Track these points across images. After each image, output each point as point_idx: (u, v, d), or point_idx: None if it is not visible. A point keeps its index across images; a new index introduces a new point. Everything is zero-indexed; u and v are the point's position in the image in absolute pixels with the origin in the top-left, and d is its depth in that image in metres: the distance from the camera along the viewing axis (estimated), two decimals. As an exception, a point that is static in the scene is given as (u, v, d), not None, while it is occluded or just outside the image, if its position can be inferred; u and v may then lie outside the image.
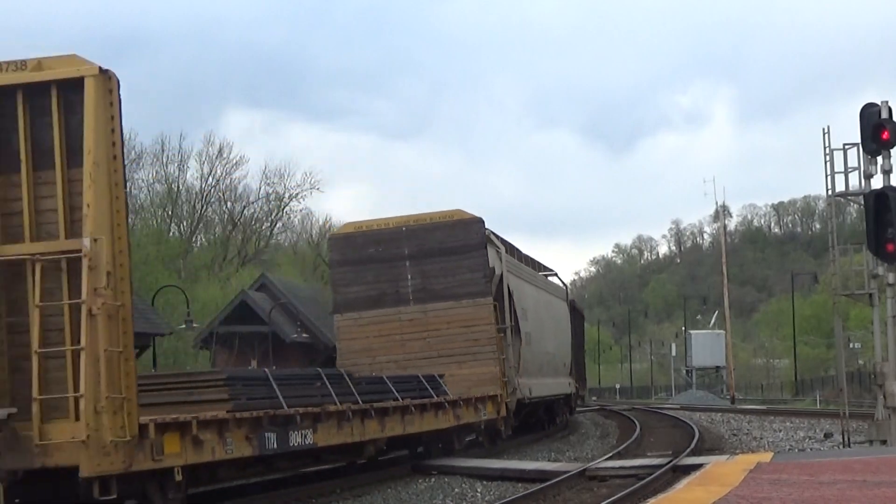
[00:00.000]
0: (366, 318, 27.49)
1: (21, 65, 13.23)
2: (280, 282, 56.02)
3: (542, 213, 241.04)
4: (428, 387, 23.49)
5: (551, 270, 41.10)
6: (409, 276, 27.37)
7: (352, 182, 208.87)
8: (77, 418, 12.59)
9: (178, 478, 14.14)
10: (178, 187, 71.65)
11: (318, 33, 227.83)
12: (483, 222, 27.65)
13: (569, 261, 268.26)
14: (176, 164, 71.04)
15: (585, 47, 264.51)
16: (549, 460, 25.53)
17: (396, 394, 21.64)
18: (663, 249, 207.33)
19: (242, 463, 16.46)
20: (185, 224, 72.81)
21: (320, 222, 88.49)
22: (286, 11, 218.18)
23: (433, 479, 20.75)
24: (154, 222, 69.47)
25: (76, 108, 13.03)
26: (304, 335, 49.24)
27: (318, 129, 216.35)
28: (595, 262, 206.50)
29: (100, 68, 13.09)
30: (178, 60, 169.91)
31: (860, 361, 75.23)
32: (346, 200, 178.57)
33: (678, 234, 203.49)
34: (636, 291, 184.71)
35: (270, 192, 76.88)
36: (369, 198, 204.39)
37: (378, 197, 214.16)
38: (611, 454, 25.58)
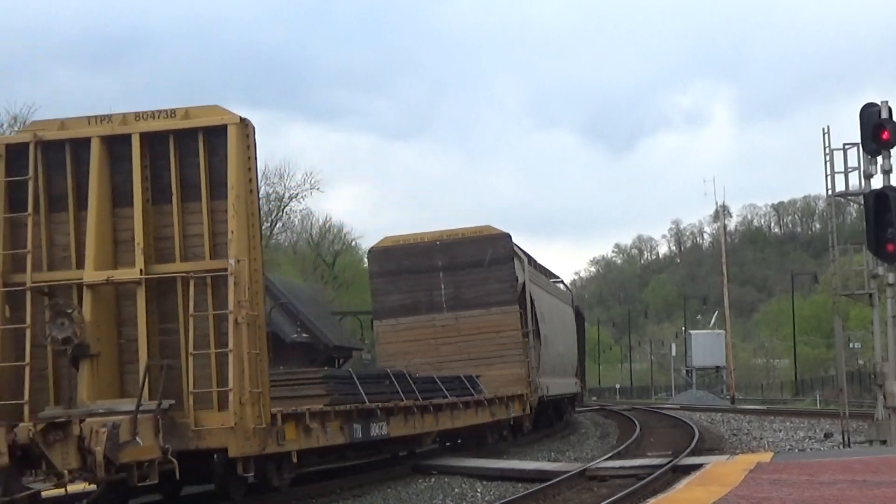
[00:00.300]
0: (403, 323, 29.91)
1: (171, 113, 15.94)
2: (280, 282, 56.00)
3: (542, 213, 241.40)
4: (469, 386, 26.10)
5: (558, 277, 43.70)
6: (443, 286, 29.83)
7: (352, 182, 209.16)
8: (220, 409, 15.09)
9: (295, 460, 16.92)
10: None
11: (318, 33, 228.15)
12: (510, 237, 30.33)
13: (569, 261, 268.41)
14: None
15: (585, 47, 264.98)
16: (549, 460, 25.53)
17: (446, 392, 24.21)
18: (663, 249, 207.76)
19: (327, 451, 19.01)
20: None
21: (320, 222, 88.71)
22: (286, 11, 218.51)
23: (433, 479, 20.75)
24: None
25: (218, 150, 15.60)
26: (304, 335, 49.27)
27: (318, 129, 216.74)
28: (595, 262, 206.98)
29: (240, 118, 15.73)
30: (177, 60, 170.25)
31: (860, 361, 75.26)
32: (346, 200, 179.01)
33: (678, 234, 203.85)
34: (636, 291, 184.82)
35: (270, 192, 76.98)
36: (369, 198, 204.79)
37: (378, 197, 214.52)
38: (611, 454, 25.58)
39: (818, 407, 57.16)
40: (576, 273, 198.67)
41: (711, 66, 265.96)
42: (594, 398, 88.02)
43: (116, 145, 15.89)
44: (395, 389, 21.61)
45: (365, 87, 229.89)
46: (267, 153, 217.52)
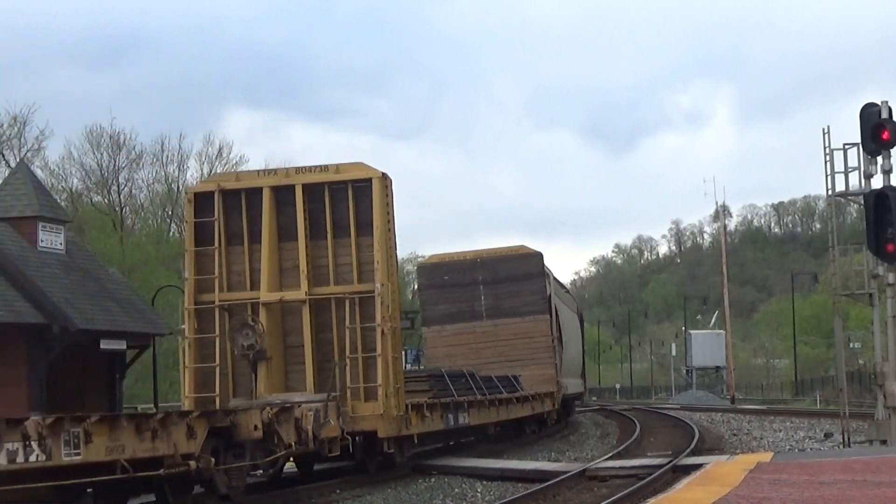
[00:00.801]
0: (448, 330, 34.29)
1: (325, 168, 20.62)
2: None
3: (542, 214, 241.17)
4: (515, 384, 30.59)
5: (566, 287, 49.45)
6: (483, 297, 34.24)
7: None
8: (366, 400, 19.69)
9: (416, 441, 21.83)
10: (178, 187, 71.59)
11: (318, 33, 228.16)
12: (542, 256, 35.12)
13: (569, 261, 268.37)
14: (176, 164, 70.99)
15: (586, 47, 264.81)
16: (549, 460, 25.55)
17: (502, 389, 28.98)
18: (663, 249, 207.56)
19: (433, 435, 23.72)
20: (185, 224, 72.72)
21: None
22: (286, 11, 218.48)
23: (433, 479, 20.76)
24: (154, 222, 69.44)
25: (363, 198, 20.05)
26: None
27: (319, 129, 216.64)
28: (595, 262, 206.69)
29: (382, 174, 20.26)
30: (178, 60, 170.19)
31: (860, 361, 75.21)
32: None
33: (678, 234, 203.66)
34: (636, 291, 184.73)
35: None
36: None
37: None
38: (611, 454, 25.60)
39: (818, 407, 57.17)
40: (576, 273, 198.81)
41: (712, 65, 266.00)
42: (594, 398, 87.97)
43: (282, 193, 20.41)
44: (470, 386, 26.51)
45: (365, 87, 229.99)
46: (267, 153, 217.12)
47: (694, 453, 24.09)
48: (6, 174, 42.81)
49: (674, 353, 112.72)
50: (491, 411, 27.19)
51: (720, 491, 13.41)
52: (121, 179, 65.87)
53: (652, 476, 18.13)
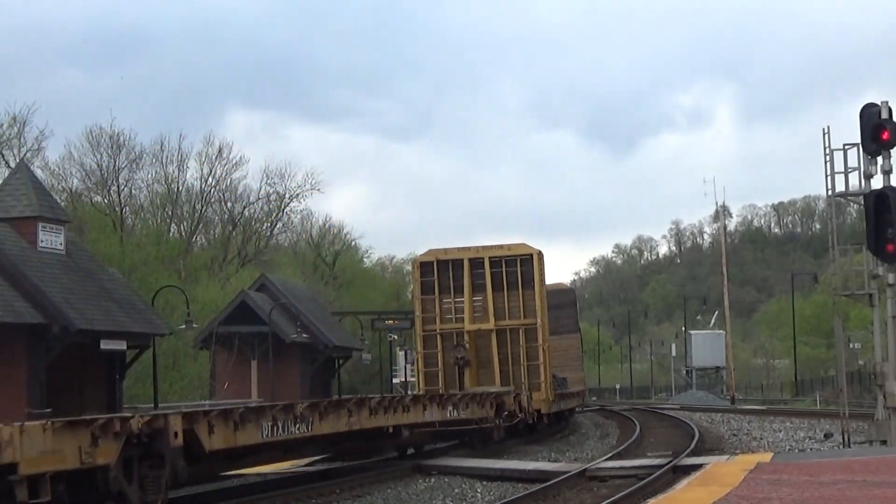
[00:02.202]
0: None
1: (501, 247, 32.72)
2: (280, 282, 55.99)
3: (542, 213, 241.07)
4: (565, 383, 39.81)
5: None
6: None
7: (352, 182, 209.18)
8: (538, 390, 31.99)
9: (546, 420, 34.09)
10: (178, 187, 71.57)
11: (319, 33, 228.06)
12: (574, 291, 50.64)
13: (569, 261, 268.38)
14: (175, 164, 70.95)
15: (587, 47, 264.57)
16: (549, 460, 25.55)
17: (567, 386, 39.99)
18: (663, 249, 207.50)
19: (557, 414, 37.12)
20: (185, 224, 72.72)
21: (320, 222, 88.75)
22: (287, 11, 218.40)
23: (433, 479, 20.76)
24: (154, 222, 69.42)
25: (526, 266, 32.07)
26: (304, 335, 49.24)
27: (320, 129, 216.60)
28: (595, 262, 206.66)
29: (538, 251, 32.52)
30: (178, 60, 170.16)
31: (860, 361, 75.15)
32: (346, 200, 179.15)
33: (678, 235, 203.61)
34: (636, 291, 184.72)
35: (271, 192, 77.03)
36: (370, 198, 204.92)
37: (379, 197, 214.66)
38: (611, 454, 25.60)
39: (818, 407, 57.16)
40: (576, 273, 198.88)
41: (713, 66, 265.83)
42: (594, 398, 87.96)
43: (475, 263, 32.36)
44: (559, 383, 37.26)
45: (366, 87, 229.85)
46: (268, 153, 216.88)
47: (694, 453, 24.10)
48: (6, 174, 42.81)
49: (674, 353, 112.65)
50: (571, 400, 41.05)
51: (720, 491, 13.42)
52: (121, 179, 65.91)
53: (652, 476, 18.13)
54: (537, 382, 32.01)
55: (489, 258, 31.96)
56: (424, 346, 32.49)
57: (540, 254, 32.31)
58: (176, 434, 14.29)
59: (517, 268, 31.75)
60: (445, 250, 32.69)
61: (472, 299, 32.19)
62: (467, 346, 31.86)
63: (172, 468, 14.27)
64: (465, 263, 32.00)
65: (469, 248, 32.79)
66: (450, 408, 25.51)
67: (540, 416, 32.59)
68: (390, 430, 22.48)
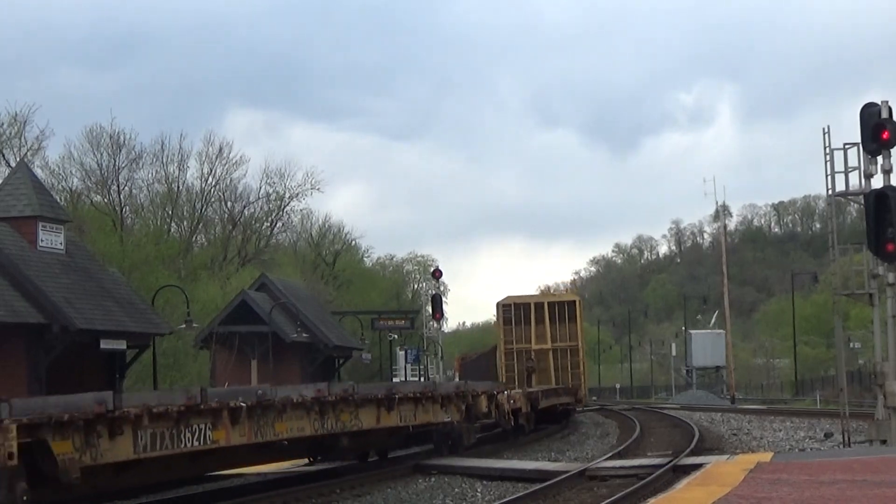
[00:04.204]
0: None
1: (553, 295, 57.60)
2: (280, 282, 55.99)
3: (543, 213, 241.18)
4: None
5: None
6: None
7: (353, 182, 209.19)
8: (579, 389, 46.71)
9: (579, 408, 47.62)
10: (178, 187, 71.61)
11: (319, 33, 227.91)
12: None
13: (569, 261, 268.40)
14: (176, 164, 71.01)
15: (588, 46, 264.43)
16: (549, 460, 25.54)
17: None
18: (663, 249, 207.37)
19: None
20: (185, 224, 72.76)
21: (320, 222, 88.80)
22: (288, 11, 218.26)
23: (433, 479, 20.75)
24: (154, 222, 69.43)
25: (571, 308, 47.67)
26: (304, 335, 49.25)
27: (320, 128, 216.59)
28: (595, 262, 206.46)
29: (580, 298, 54.42)
30: (179, 60, 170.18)
31: (860, 361, 75.18)
32: (346, 200, 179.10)
33: (678, 234, 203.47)
34: (636, 291, 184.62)
35: (271, 192, 77.08)
36: (370, 198, 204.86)
37: (379, 197, 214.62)
38: (611, 454, 25.60)
39: (818, 407, 57.15)
40: (576, 273, 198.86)
41: (714, 66, 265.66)
42: (594, 398, 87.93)
43: (538, 305, 47.25)
44: None
45: (367, 86, 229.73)
46: (268, 153, 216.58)
47: (694, 453, 24.09)
48: (6, 174, 42.79)
49: (674, 353, 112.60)
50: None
51: (720, 491, 13.42)
52: (121, 179, 65.94)
53: (652, 476, 18.12)
54: (577, 383, 45.82)
55: (547, 302, 47.77)
56: (505, 358, 46.50)
57: (580, 300, 50.81)
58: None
59: (565, 309, 47.05)
60: (520, 296, 48.97)
61: (536, 328, 46.39)
62: (533, 359, 45.88)
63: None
64: (532, 306, 46.97)
65: (533, 296, 51.42)
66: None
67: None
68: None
